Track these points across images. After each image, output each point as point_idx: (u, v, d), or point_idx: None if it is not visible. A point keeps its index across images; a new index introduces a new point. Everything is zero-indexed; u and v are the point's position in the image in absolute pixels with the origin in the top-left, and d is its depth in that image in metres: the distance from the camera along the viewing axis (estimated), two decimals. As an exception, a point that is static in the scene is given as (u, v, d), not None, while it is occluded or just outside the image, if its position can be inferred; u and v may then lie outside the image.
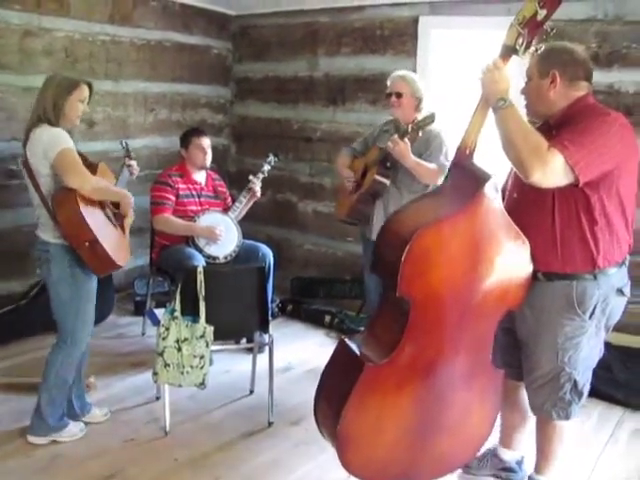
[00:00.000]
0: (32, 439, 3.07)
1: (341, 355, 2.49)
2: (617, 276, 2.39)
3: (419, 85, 3.68)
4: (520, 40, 2.22)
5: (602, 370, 3.77)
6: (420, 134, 3.52)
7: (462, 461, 2.69)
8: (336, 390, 2.41)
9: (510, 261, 2.33)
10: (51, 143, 2.83)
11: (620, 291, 2.42)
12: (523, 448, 2.94)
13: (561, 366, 2.43)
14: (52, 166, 2.85)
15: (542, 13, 2.16)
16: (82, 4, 4.61)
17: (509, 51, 2.27)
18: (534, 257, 2.35)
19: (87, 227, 2.85)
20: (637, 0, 3.87)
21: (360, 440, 2.37)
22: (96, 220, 2.93)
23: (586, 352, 2.44)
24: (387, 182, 3.65)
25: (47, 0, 4.39)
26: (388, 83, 3.76)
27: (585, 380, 2.51)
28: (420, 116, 3.59)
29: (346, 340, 2.50)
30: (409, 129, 3.49)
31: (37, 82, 4.25)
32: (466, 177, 2.35)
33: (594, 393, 3.71)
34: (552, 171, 2.15)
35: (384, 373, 2.31)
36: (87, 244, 2.86)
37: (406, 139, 3.48)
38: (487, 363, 2.49)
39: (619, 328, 4.07)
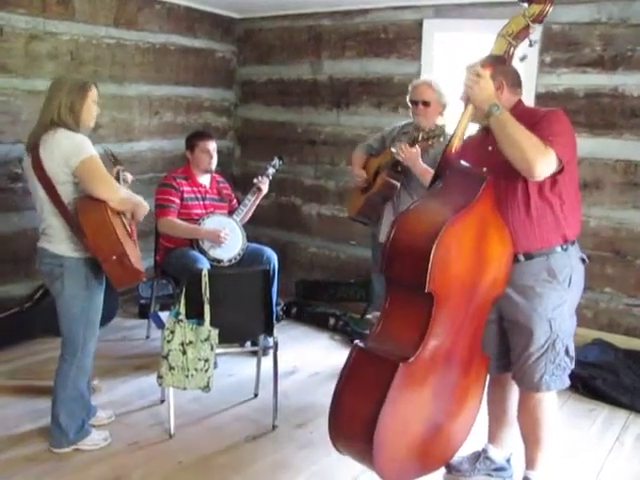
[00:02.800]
0: (56, 450, 3.02)
1: (362, 362, 2.45)
2: (577, 246, 2.64)
3: (444, 91, 3.63)
4: (511, 50, 2.41)
5: (608, 373, 3.81)
6: (430, 143, 3.48)
7: (461, 442, 2.73)
8: (365, 398, 2.37)
9: (501, 250, 2.50)
10: (74, 150, 2.74)
11: (582, 259, 2.66)
12: (511, 445, 2.98)
13: (556, 333, 2.57)
14: (74, 174, 2.76)
15: (534, 27, 2.36)
16: (87, 8, 4.63)
17: (498, 60, 2.43)
18: (514, 241, 2.52)
19: (118, 240, 2.75)
20: (642, 3, 3.88)
21: (393, 442, 2.37)
22: (121, 232, 2.84)
23: (568, 320, 2.62)
24: (397, 185, 3.64)
25: (52, 4, 4.41)
26: (410, 89, 3.70)
27: (572, 346, 2.66)
28: (441, 121, 3.57)
29: (361, 345, 2.47)
30: (419, 137, 3.48)
31: (42, 86, 4.28)
32: (460, 177, 2.52)
33: (600, 396, 3.74)
34: (550, 165, 2.37)
35: (413, 369, 2.34)
36: (114, 257, 2.75)
37: (417, 146, 3.46)
38: (480, 348, 2.62)
39: (626, 331, 4.12)
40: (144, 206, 3.03)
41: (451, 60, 4.57)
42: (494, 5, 4.24)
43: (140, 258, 3.08)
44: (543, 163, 2.33)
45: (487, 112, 2.39)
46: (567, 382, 2.68)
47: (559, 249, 2.55)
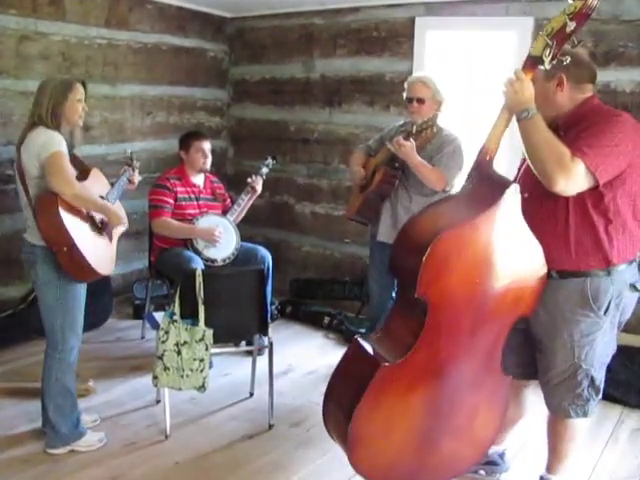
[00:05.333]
0: (51, 451, 3.03)
1: (355, 354, 2.49)
2: (630, 272, 2.43)
3: (440, 87, 3.62)
4: (547, 51, 2.21)
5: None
6: (424, 135, 3.49)
7: (468, 465, 2.68)
8: (348, 389, 2.40)
9: (525, 268, 2.35)
10: (44, 145, 2.81)
11: (633, 286, 2.45)
12: (507, 442, 2.99)
13: (578, 363, 2.46)
14: (41, 168, 2.83)
15: (571, 25, 2.15)
16: (78, 8, 4.61)
17: (535, 61, 2.26)
18: (547, 256, 2.36)
19: (65, 232, 2.81)
20: (632, -1, 3.88)
21: (370, 440, 2.37)
22: (77, 226, 2.89)
23: (601, 348, 2.48)
24: (395, 182, 3.64)
25: (43, 4, 4.40)
26: (406, 86, 3.70)
27: (601, 376, 2.54)
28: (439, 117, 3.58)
29: (359, 340, 2.49)
30: (413, 130, 3.49)
31: (34, 86, 4.24)
32: (486, 183, 2.37)
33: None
34: (575, 179, 2.20)
35: (398, 373, 2.32)
36: (65, 249, 2.82)
37: (411, 139, 3.47)
38: (497, 368, 2.50)
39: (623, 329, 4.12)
40: (112, 213, 3.07)
41: (443, 58, 4.58)
42: (485, 2, 4.25)
43: (110, 257, 3.14)
44: (564, 178, 2.18)
45: (517, 117, 2.28)
46: (591, 411, 2.55)
47: (599, 272, 2.37)
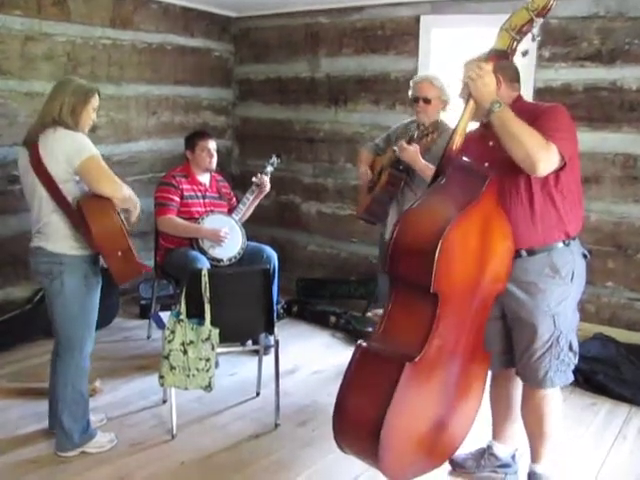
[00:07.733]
0: (63, 454, 3.01)
1: (366, 361, 2.43)
2: (578, 243, 2.62)
3: (446, 87, 3.60)
4: (514, 44, 2.35)
5: (609, 368, 3.81)
6: (427, 140, 3.49)
7: (463, 438, 2.71)
8: (370, 398, 2.34)
9: (503, 245, 2.49)
10: (77, 149, 2.75)
11: (584, 255, 2.64)
12: (516, 441, 2.98)
13: (559, 329, 2.56)
14: (77, 172, 2.77)
15: (538, 21, 2.29)
16: (83, 8, 4.62)
17: (501, 55, 2.38)
18: (515, 236, 2.50)
19: (124, 236, 2.78)
20: (639, -4, 3.87)
21: (400, 441, 2.37)
22: (124, 228, 2.86)
23: (571, 315, 2.62)
24: (400, 184, 3.64)
25: (48, 5, 4.41)
26: (411, 85, 3.68)
27: (576, 342, 2.66)
28: (443, 117, 3.58)
29: (365, 345, 2.44)
30: (415, 135, 3.49)
31: (39, 87, 4.28)
32: (463, 173, 2.49)
33: (601, 390, 3.73)
34: (553, 160, 2.35)
35: (419, 368, 2.32)
36: (120, 253, 2.78)
37: (414, 143, 3.47)
38: (482, 345, 2.60)
39: (627, 326, 4.11)
40: (138, 208, 3.03)
41: (448, 56, 4.57)
42: (490, 0, 4.24)
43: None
44: (546, 160, 2.31)
45: (488, 109, 2.37)
46: (571, 377, 2.67)
47: (561, 245, 2.53)
